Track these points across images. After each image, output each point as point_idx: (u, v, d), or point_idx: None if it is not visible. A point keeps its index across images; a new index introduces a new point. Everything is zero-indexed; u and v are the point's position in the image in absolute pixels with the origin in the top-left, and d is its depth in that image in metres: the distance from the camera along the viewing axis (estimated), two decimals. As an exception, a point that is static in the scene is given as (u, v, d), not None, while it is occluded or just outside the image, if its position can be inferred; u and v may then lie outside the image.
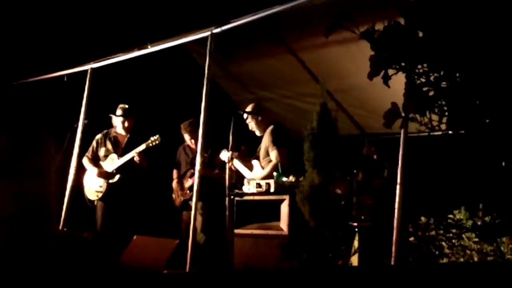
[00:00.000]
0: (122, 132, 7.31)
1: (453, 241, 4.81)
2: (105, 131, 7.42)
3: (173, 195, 7.44)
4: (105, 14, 9.24)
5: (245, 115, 6.40)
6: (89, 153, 7.33)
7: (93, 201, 7.14)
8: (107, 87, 8.20)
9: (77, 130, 7.37)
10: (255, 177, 6.16)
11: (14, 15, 9.04)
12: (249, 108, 6.46)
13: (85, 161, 7.30)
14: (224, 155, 6.65)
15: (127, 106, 7.34)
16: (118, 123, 7.33)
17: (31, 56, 8.91)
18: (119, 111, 7.32)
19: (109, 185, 7.07)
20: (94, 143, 7.37)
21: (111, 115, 7.39)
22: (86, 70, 7.61)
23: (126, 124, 7.28)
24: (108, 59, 7.42)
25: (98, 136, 7.40)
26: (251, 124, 6.40)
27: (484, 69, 2.43)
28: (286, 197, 5.34)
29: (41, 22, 9.13)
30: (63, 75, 7.90)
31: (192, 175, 6.99)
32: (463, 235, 4.75)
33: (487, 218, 4.75)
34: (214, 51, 6.18)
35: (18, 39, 9.05)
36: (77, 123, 7.39)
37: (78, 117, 7.44)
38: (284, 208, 5.36)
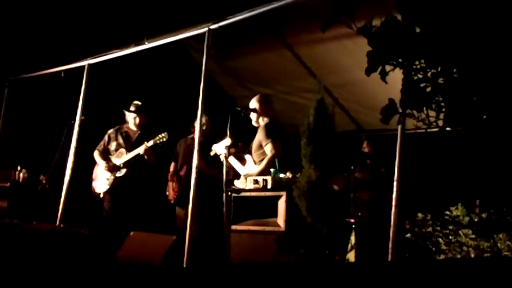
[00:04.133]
0: (134, 128, 7.42)
1: (450, 237, 4.82)
2: (117, 126, 7.51)
3: (167, 191, 7.42)
4: (102, 9, 9.23)
5: (252, 105, 6.40)
6: (100, 147, 7.42)
7: (99, 194, 7.19)
8: (104, 83, 8.19)
9: (74, 126, 7.36)
10: (249, 171, 6.15)
11: (11, 11, 9.03)
12: (255, 99, 6.43)
13: (96, 154, 7.39)
14: (218, 146, 6.61)
15: (140, 103, 7.43)
16: (130, 119, 7.42)
17: (28, 51, 8.90)
18: (132, 107, 7.40)
19: (115, 179, 7.13)
20: (106, 137, 7.45)
21: (123, 110, 7.44)
22: (83, 66, 7.60)
23: (137, 120, 7.39)
24: (105, 55, 7.40)
25: (110, 131, 7.49)
26: (252, 115, 6.40)
27: (482, 65, 2.43)
28: (283, 193, 5.34)
29: (38, 18, 9.11)
30: (60, 71, 7.89)
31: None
32: (460, 232, 4.76)
33: (484, 215, 4.76)
34: (211, 46, 6.18)
35: (15, 35, 9.04)
36: (74, 120, 7.38)
37: (75, 113, 7.43)
38: (281, 204, 5.36)
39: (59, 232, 6.02)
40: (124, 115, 7.51)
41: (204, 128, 7.18)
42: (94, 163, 7.41)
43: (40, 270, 4.25)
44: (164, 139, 7.03)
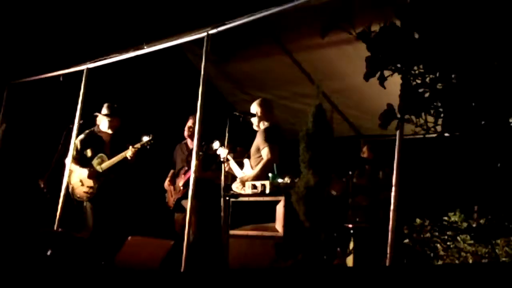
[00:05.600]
0: (108, 131, 7.30)
1: (448, 243, 4.81)
2: (87, 131, 7.38)
3: (166, 196, 7.42)
4: (101, 14, 9.23)
5: (253, 109, 6.39)
6: (73, 153, 7.25)
7: (81, 200, 7.11)
8: (103, 87, 8.19)
9: (73, 130, 7.35)
10: (245, 175, 6.14)
11: (10, 15, 9.03)
12: (256, 103, 6.43)
13: (69, 162, 7.24)
14: (217, 145, 6.62)
15: (115, 105, 7.35)
16: (104, 121, 7.31)
17: (27, 55, 8.90)
18: (105, 110, 7.31)
19: (99, 185, 7.04)
20: (78, 144, 7.26)
21: (96, 113, 7.36)
22: (82, 70, 7.61)
23: (112, 123, 7.29)
24: (104, 59, 7.41)
25: (81, 137, 7.32)
26: (253, 119, 6.39)
27: (480, 71, 2.43)
28: (282, 198, 5.33)
29: (37, 22, 9.11)
30: (59, 75, 7.90)
31: (186, 172, 6.99)
32: (458, 237, 4.76)
33: (482, 220, 4.75)
34: (209, 51, 6.18)
35: (14, 39, 9.04)
36: (73, 124, 7.37)
37: (74, 117, 7.43)
38: (280, 209, 5.35)
39: (57, 236, 6.02)
40: (95, 118, 7.43)
41: (190, 130, 7.22)
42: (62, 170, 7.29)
43: (39, 274, 4.24)
44: (152, 142, 7.02)
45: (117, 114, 7.32)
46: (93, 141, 7.29)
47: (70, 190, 7.17)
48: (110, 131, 7.30)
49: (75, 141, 7.30)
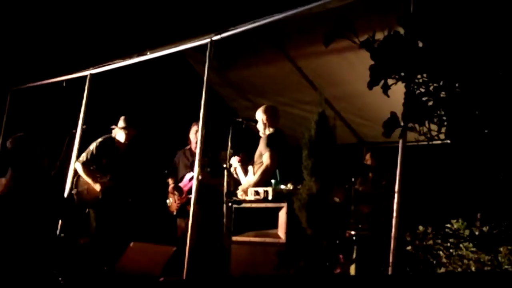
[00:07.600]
0: (125, 142, 7.33)
1: (451, 250, 4.81)
2: (103, 138, 7.38)
3: (168, 201, 7.40)
4: (105, 20, 9.26)
5: (257, 116, 6.36)
6: (84, 158, 7.26)
7: (84, 205, 7.11)
8: (106, 93, 8.20)
9: (76, 135, 7.35)
10: (245, 184, 6.13)
11: (14, 20, 9.06)
12: (260, 109, 6.40)
13: (83, 167, 7.23)
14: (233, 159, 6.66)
15: (129, 117, 7.38)
16: (121, 134, 7.31)
17: (31, 61, 8.93)
18: (122, 123, 7.30)
19: (105, 190, 7.05)
20: (93, 149, 7.24)
21: (113, 126, 7.36)
22: (85, 76, 7.63)
23: (129, 134, 7.31)
24: (107, 65, 7.43)
25: (99, 143, 7.30)
26: (258, 125, 6.36)
27: (484, 79, 2.43)
28: (284, 205, 5.32)
29: (41, 28, 9.14)
30: (62, 80, 7.92)
31: (192, 178, 6.99)
32: (461, 245, 4.76)
33: (484, 228, 4.75)
34: (212, 58, 6.19)
35: (17, 45, 9.07)
36: (76, 129, 7.38)
37: (77, 122, 7.44)
38: (282, 215, 5.34)
39: (60, 242, 6.02)
40: (111, 131, 7.43)
41: (196, 138, 7.25)
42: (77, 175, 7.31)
43: (41, 280, 4.25)
44: None
45: (133, 125, 7.36)
46: (110, 150, 7.30)
47: (74, 194, 7.17)
48: (126, 142, 7.34)
49: (90, 146, 7.32)
